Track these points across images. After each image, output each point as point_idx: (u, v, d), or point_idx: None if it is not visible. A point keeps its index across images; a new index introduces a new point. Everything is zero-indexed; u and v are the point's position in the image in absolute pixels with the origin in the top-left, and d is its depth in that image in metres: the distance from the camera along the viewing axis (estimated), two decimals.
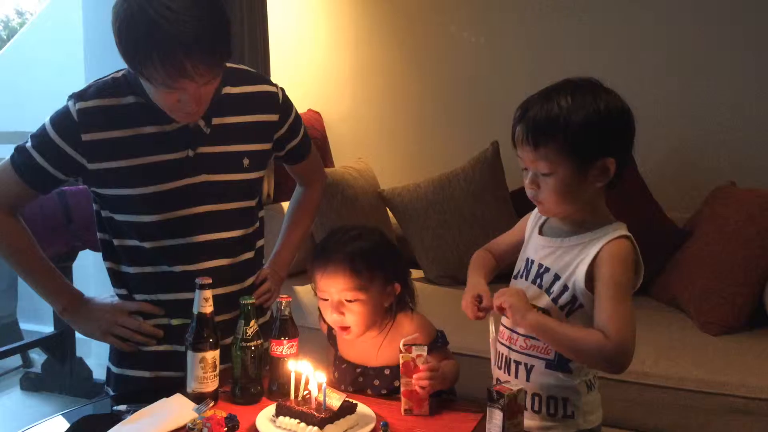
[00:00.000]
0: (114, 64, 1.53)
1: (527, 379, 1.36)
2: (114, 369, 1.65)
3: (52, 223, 2.30)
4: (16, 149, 1.54)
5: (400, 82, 3.31)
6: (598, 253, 1.29)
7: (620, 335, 1.23)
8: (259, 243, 1.73)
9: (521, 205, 2.75)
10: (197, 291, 1.40)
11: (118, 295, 1.63)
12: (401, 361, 1.39)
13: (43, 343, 2.73)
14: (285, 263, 1.80)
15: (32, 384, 2.92)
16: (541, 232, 1.41)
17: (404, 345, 1.40)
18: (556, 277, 1.33)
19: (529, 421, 1.33)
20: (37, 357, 3.15)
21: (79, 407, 1.61)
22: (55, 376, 2.78)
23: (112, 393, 1.65)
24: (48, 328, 2.92)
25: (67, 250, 2.53)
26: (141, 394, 1.44)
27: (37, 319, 3.17)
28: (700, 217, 2.54)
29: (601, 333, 1.24)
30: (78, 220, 2.40)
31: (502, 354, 1.41)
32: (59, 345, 2.71)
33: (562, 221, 1.37)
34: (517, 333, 1.37)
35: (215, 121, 1.56)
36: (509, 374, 1.38)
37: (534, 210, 1.45)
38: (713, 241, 2.36)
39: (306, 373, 1.32)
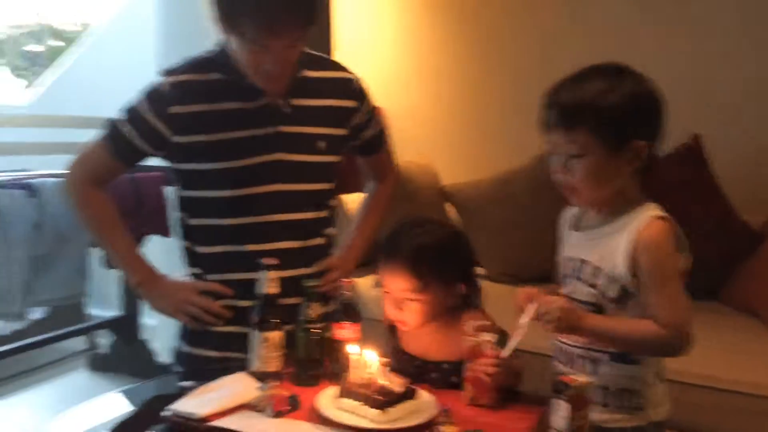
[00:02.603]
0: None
1: (593, 373, 1.32)
2: (183, 347, 1.70)
3: (123, 207, 2.37)
4: (106, 122, 1.63)
5: (463, 80, 3.29)
6: (635, 239, 1.26)
7: (673, 320, 1.22)
8: (330, 231, 1.75)
9: None
10: (262, 271, 1.42)
11: (192, 274, 1.69)
12: (468, 345, 1.36)
13: (111, 324, 2.83)
14: (354, 256, 1.82)
15: (100, 363, 3.03)
16: (577, 229, 1.39)
17: (473, 329, 1.37)
18: (598, 270, 1.31)
19: (598, 415, 1.30)
20: (102, 341, 3.27)
21: (137, 384, 1.67)
22: (122, 356, 2.87)
23: (179, 371, 1.69)
24: (111, 314, 3.02)
25: (137, 235, 2.61)
26: (207, 373, 1.47)
27: (103, 305, 3.27)
28: None
29: (654, 322, 1.23)
30: (148, 205, 2.47)
31: (564, 349, 1.38)
32: (126, 327, 2.80)
33: (595, 214, 1.35)
34: None
35: (294, 101, 1.61)
36: (573, 369, 1.35)
37: (564, 213, 1.45)
38: None
39: (369, 356, 1.33)
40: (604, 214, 1.34)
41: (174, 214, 1.73)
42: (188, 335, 1.69)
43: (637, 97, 1.29)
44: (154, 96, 1.59)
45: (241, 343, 1.59)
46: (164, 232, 2.52)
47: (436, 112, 3.36)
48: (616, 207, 1.33)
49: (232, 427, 1.23)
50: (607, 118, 1.26)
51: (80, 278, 2.35)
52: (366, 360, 1.35)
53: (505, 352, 1.29)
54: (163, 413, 1.28)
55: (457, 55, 3.30)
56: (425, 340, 1.50)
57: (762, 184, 2.65)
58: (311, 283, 1.45)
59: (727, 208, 2.52)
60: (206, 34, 2.64)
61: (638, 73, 1.32)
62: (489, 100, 3.23)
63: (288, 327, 1.45)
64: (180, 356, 1.71)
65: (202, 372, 1.51)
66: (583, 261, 1.34)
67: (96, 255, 2.52)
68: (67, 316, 3.08)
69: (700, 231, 2.51)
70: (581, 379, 1.20)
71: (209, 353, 1.65)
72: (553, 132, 1.30)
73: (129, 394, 1.48)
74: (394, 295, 1.45)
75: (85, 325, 3.02)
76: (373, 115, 1.76)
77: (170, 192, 2.60)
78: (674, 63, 2.82)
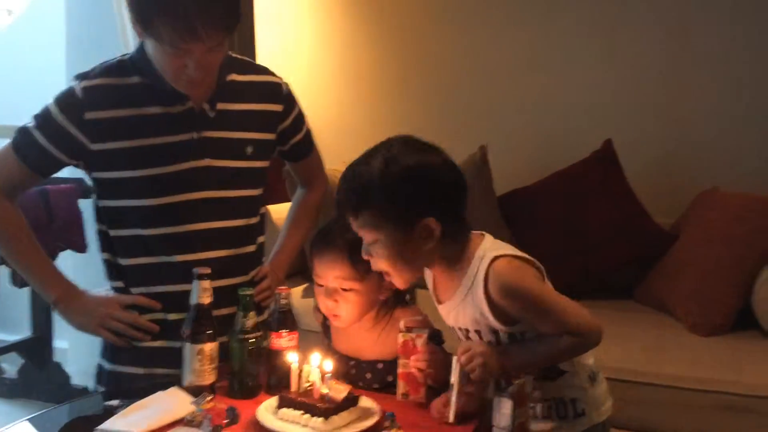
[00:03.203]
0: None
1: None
2: (106, 365, 1.61)
3: (34, 221, 2.23)
4: (18, 130, 1.52)
5: (385, 86, 3.31)
6: (487, 295, 1.26)
7: (576, 328, 1.25)
8: (260, 239, 1.71)
9: (509, 209, 2.81)
10: (195, 281, 1.37)
11: (113, 288, 1.61)
12: (400, 341, 1.36)
13: (20, 347, 2.64)
14: (284, 264, 1.78)
15: (7, 390, 2.82)
16: (440, 302, 1.39)
17: (405, 325, 1.37)
18: (479, 332, 1.32)
19: (542, 426, 1.31)
20: (7, 366, 3.05)
21: (48, 409, 1.54)
22: (33, 381, 2.69)
23: (101, 391, 1.60)
24: (16, 337, 2.81)
25: (49, 250, 2.46)
26: (134, 392, 1.39)
27: (9, 327, 3.06)
28: (685, 221, 2.57)
29: (566, 336, 1.25)
30: (60, 219, 2.34)
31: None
32: (37, 350, 2.62)
33: (442, 284, 1.36)
34: None
35: (220, 106, 1.56)
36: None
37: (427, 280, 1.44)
38: (700, 243, 2.39)
39: (312, 363, 1.30)
40: (448, 282, 1.33)
41: (93, 226, 1.64)
42: (111, 352, 1.60)
43: (414, 175, 1.25)
44: (68, 101, 1.50)
45: (169, 358, 1.53)
46: (79, 247, 2.39)
47: (357, 118, 3.36)
48: (451, 272, 1.32)
49: None
50: (385, 200, 1.25)
51: None
52: (306, 368, 1.32)
53: (450, 417, 1.27)
54: None
55: (378, 62, 3.31)
56: (358, 339, 1.49)
57: (672, 187, 2.79)
58: (246, 291, 1.41)
59: (639, 211, 2.64)
60: (119, 38, 2.57)
61: (428, 146, 1.30)
62: (412, 106, 3.25)
63: (221, 339, 1.41)
64: (102, 375, 1.62)
65: (127, 391, 1.43)
66: (461, 329, 1.35)
67: (1, 273, 2.36)
68: None
69: (615, 232, 2.64)
70: (520, 374, 1.22)
71: (135, 370, 1.57)
72: (347, 217, 1.30)
73: (38, 422, 1.36)
74: (329, 285, 1.43)
75: None
76: (300, 119, 1.74)
77: (84, 204, 2.51)
78: (586, 70, 2.95)
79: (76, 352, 2.88)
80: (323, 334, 1.56)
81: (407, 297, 1.52)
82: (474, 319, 1.30)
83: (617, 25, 2.91)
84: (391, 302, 1.48)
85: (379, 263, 1.30)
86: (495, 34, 3.09)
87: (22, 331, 2.73)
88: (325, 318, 1.50)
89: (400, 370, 1.36)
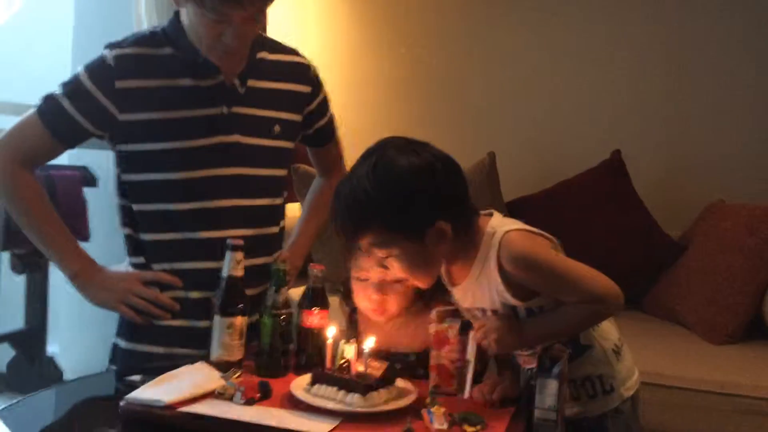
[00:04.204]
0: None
1: None
2: (123, 344, 1.55)
3: None
4: (44, 98, 1.48)
5: (391, 91, 3.30)
6: (501, 269, 1.22)
7: (594, 295, 1.20)
8: (282, 222, 1.68)
9: (518, 215, 2.79)
10: (228, 252, 1.33)
11: (133, 264, 1.56)
12: (432, 331, 1.32)
13: (11, 338, 2.54)
14: (302, 252, 1.74)
15: None
16: (453, 284, 1.34)
17: (437, 315, 1.33)
18: (496, 311, 1.27)
19: (570, 409, 1.28)
20: None
21: (55, 387, 1.47)
22: (22, 376, 2.58)
23: (115, 369, 1.54)
24: (12, 328, 2.69)
25: None
26: (153, 370, 1.31)
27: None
28: (695, 232, 2.57)
29: (586, 304, 1.21)
30: (65, 205, 2.27)
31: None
32: (29, 342, 2.53)
33: (452, 269, 1.32)
34: None
35: (250, 82, 1.55)
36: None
37: None
38: (711, 253, 2.39)
39: (347, 341, 1.26)
40: (461, 264, 1.28)
41: (114, 200, 1.59)
42: (129, 330, 1.54)
43: (410, 181, 1.20)
44: (100, 69, 1.47)
45: (189, 338, 1.49)
46: (82, 234, 2.32)
47: (362, 124, 3.33)
48: (466, 259, 1.26)
49: (205, 413, 1.12)
50: (388, 216, 1.19)
51: None
52: (341, 345, 1.28)
53: (466, 393, 1.25)
54: (121, 403, 1.15)
55: (384, 65, 3.30)
56: (389, 331, 1.44)
57: (681, 198, 2.81)
58: (280, 266, 1.37)
59: (648, 221, 2.64)
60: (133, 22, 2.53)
61: (414, 144, 1.25)
62: (418, 111, 3.24)
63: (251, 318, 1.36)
64: (117, 353, 1.56)
65: (146, 369, 1.37)
66: (478, 309, 1.31)
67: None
68: None
69: (623, 242, 2.63)
70: (562, 352, 1.19)
71: (154, 349, 1.51)
72: (352, 240, 1.25)
73: (39, 402, 1.28)
74: (376, 278, 1.37)
75: None
76: (325, 103, 1.72)
77: (88, 193, 2.45)
78: (596, 80, 2.98)
79: (73, 345, 2.78)
80: (349, 325, 1.51)
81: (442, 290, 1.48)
82: (490, 297, 1.25)
83: (628, 37, 2.94)
84: (429, 293, 1.44)
85: (397, 273, 1.27)
86: (504, 42, 3.11)
87: (15, 323, 2.64)
88: (352, 312, 1.46)
89: (432, 362, 1.32)
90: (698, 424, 1.88)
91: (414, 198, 1.20)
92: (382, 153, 1.23)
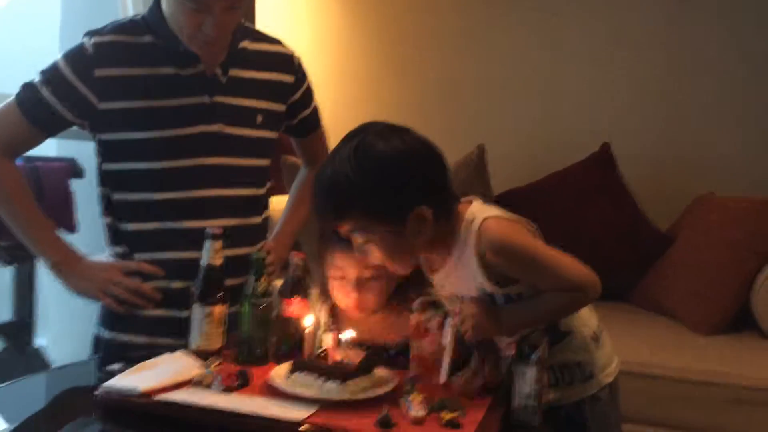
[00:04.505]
0: None
1: None
2: (105, 334, 1.54)
3: None
4: (23, 86, 1.47)
5: (381, 85, 3.29)
6: (479, 255, 1.21)
7: (572, 283, 1.20)
8: (266, 213, 1.67)
9: (507, 207, 2.78)
10: (207, 241, 1.33)
11: (115, 254, 1.55)
12: (412, 322, 1.31)
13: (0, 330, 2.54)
14: (287, 242, 1.73)
15: None
16: (432, 272, 1.34)
17: (418, 305, 1.32)
18: (473, 298, 1.26)
19: (550, 394, 1.27)
20: None
21: (40, 374, 1.47)
22: (10, 368, 2.58)
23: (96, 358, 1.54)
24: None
25: None
26: (135, 359, 1.31)
27: None
28: (682, 224, 2.58)
29: (564, 292, 1.21)
30: (50, 197, 2.25)
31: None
32: (17, 334, 2.52)
33: (431, 255, 1.30)
34: None
35: (232, 72, 1.54)
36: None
37: None
38: (699, 245, 2.40)
39: (328, 330, 1.25)
40: (442, 252, 1.27)
41: (96, 190, 1.58)
42: (110, 320, 1.53)
43: (392, 165, 1.18)
44: (78, 57, 1.46)
45: (172, 328, 1.48)
46: (69, 226, 2.31)
47: (353, 117, 3.31)
48: (445, 244, 1.25)
49: (181, 400, 1.11)
50: (369, 201, 1.17)
51: None
52: (320, 334, 1.27)
53: (442, 378, 1.24)
54: (96, 393, 1.14)
55: (374, 58, 3.29)
56: (369, 326, 1.43)
57: (668, 190, 2.80)
58: (260, 255, 1.36)
59: (636, 213, 2.64)
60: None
61: (394, 128, 1.23)
62: (407, 104, 3.22)
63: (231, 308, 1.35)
64: (100, 343, 1.55)
65: (127, 358, 1.36)
66: (456, 296, 1.30)
67: None
68: None
69: (611, 235, 2.63)
70: (541, 339, 1.19)
71: (136, 339, 1.51)
72: (332, 223, 1.24)
73: (24, 389, 1.28)
74: (353, 276, 1.36)
75: None
76: (309, 93, 1.71)
77: (75, 184, 2.44)
78: (585, 73, 2.97)
79: (61, 336, 2.77)
80: (330, 319, 1.50)
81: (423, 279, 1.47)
82: (468, 284, 1.25)
83: (617, 29, 2.93)
84: (406, 284, 1.43)
85: (375, 260, 1.25)
86: (494, 35, 3.10)
87: (4, 314, 2.63)
88: (332, 307, 1.43)
89: (412, 353, 1.31)
90: (683, 413, 1.88)
91: (395, 183, 1.19)
92: (363, 137, 1.22)
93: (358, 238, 1.23)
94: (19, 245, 2.13)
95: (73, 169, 2.44)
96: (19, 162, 1.52)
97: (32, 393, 1.34)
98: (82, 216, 2.36)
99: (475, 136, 2.85)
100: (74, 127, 1.53)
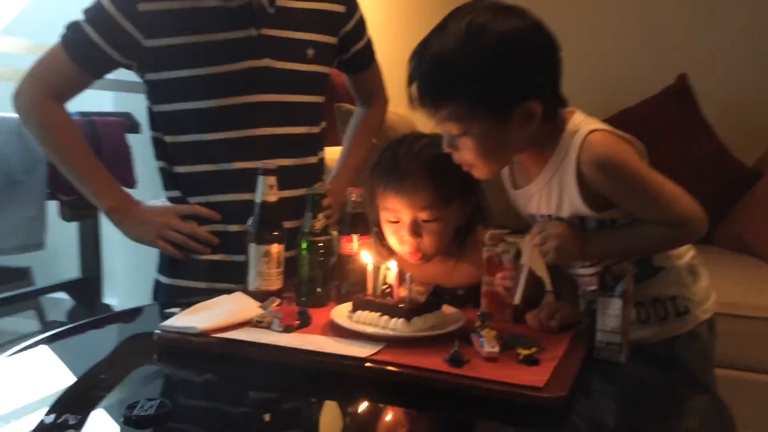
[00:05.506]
0: None
1: None
2: (163, 280, 1.51)
3: None
4: (68, 26, 1.43)
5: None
6: (579, 171, 1.07)
7: (677, 219, 1.07)
8: (321, 153, 1.60)
9: None
10: (260, 177, 1.26)
11: (169, 198, 1.52)
12: (484, 256, 1.21)
13: (68, 288, 2.58)
14: (344, 187, 1.64)
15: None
16: (516, 187, 1.20)
17: (490, 238, 1.21)
18: (562, 219, 1.13)
19: (641, 332, 1.17)
20: (56, 312, 2.95)
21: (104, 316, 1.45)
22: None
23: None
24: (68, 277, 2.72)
25: None
26: (195, 304, 1.26)
27: (56, 270, 2.96)
28: None
29: (667, 225, 1.08)
30: (108, 151, 2.25)
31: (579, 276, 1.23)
32: (86, 291, 2.56)
33: (520, 165, 1.17)
34: None
35: (279, 2, 1.46)
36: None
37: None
38: None
39: (391, 265, 1.17)
40: (533, 163, 1.15)
41: (149, 133, 1.54)
42: (169, 266, 1.51)
43: (508, 48, 1.03)
44: None
45: (230, 272, 1.44)
46: (128, 181, 2.30)
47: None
48: (540, 154, 1.13)
49: (240, 338, 1.06)
50: (477, 86, 1.03)
51: (35, 227, 2.11)
52: (384, 270, 1.19)
53: (516, 299, 1.13)
54: (156, 332, 1.10)
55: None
56: (436, 266, 1.34)
57: (754, 123, 2.59)
58: (317, 191, 1.29)
59: (719, 147, 2.45)
60: None
61: (512, 8, 1.07)
62: None
63: (287, 253, 1.28)
64: (159, 289, 1.53)
65: (187, 303, 1.32)
66: (542, 216, 1.17)
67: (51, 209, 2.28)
68: (12, 279, 2.80)
69: (693, 172, 2.45)
70: (628, 269, 1.07)
71: (194, 284, 1.47)
72: (423, 109, 1.09)
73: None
74: (410, 219, 1.25)
75: (40, 286, 2.74)
76: (362, 25, 1.62)
77: (132, 139, 2.43)
78: (660, 3, 2.75)
79: (129, 292, 2.81)
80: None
81: (485, 216, 1.36)
82: (559, 203, 1.12)
83: None
84: (468, 225, 1.33)
85: (464, 155, 1.11)
86: None
87: (72, 272, 2.67)
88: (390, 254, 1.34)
89: (483, 289, 1.21)
90: None
91: (510, 68, 1.04)
92: (476, 13, 1.05)
93: (453, 129, 1.09)
94: (80, 201, 2.15)
95: (130, 124, 2.43)
96: (75, 117, 1.49)
97: (92, 338, 1.32)
98: (140, 172, 2.35)
99: None
100: (129, 80, 1.47)
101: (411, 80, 1.09)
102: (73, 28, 1.41)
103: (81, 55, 1.41)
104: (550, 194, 1.13)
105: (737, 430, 0.91)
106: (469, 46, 1.04)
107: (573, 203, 1.10)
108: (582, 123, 1.10)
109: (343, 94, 2.11)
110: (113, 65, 1.44)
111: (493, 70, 1.03)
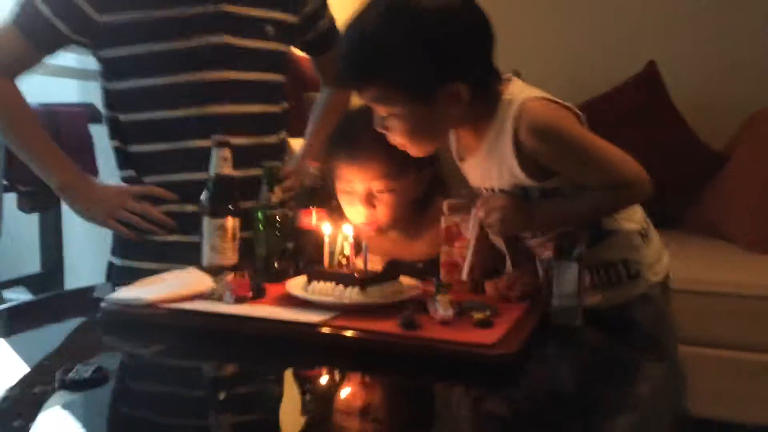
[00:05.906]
0: None
1: None
2: (116, 261, 1.47)
3: None
4: (18, 2, 1.39)
5: None
6: (515, 140, 1.05)
7: (625, 176, 1.06)
8: (283, 134, 1.56)
9: None
10: (214, 149, 1.23)
11: (123, 178, 1.48)
12: (443, 225, 1.19)
13: (27, 282, 2.51)
14: (309, 167, 1.62)
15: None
16: (462, 160, 1.19)
17: (448, 207, 1.19)
18: (504, 190, 1.12)
19: (594, 298, 1.15)
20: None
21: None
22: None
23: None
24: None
25: None
26: None
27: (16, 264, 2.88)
28: (738, 142, 2.39)
29: (609, 188, 1.06)
30: (67, 142, 2.19)
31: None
32: (46, 286, 2.50)
33: (462, 138, 1.15)
34: None
35: None
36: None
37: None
38: (756, 162, 2.22)
39: (346, 234, 1.15)
40: (472, 136, 1.13)
41: (103, 111, 1.50)
42: (122, 247, 1.47)
43: (431, 27, 1.00)
44: None
45: (186, 253, 1.38)
46: (90, 172, 2.25)
47: None
48: (477, 128, 1.11)
49: (189, 308, 1.03)
50: (399, 67, 1.01)
51: None
52: (341, 243, 1.17)
53: (464, 275, 1.12)
54: (102, 305, 1.06)
55: None
56: (394, 239, 1.33)
57: (721, 107, 2.60)
58: (272, 164, 1.26)
59: (687, 133, 2.46)
60: None
61: None
62: None
63: (243, 234, 1.25)
64: (112, 271, 1.49)
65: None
66: (486, 189, 1.15)
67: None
68: None
69: (662, 157, 2.45)
70: (583, 233, 1.06)
71: (148, 265, 1.42)
72: (352, 89, 1.08)
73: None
74: (364, 190, 1.25)
75: None
76: (324, 5, 1.59)
77: (94, 130, 2.38)
78: None
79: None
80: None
81: (444, 188, 1.35)
82: (500, 175, 1.10)
83: None
84: (426, 197, 1.32)
85: (396, 136, 1.10)
86: None
87: (32, 266, 2.61)
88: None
89: (442, 258, 1.19)
90: (744, 331, 1.74)
91: (432, 48, 1.01)
92: None
93: (380, 110, 1.08)
94: (39, 191, 2.10)
95: (92, 114, 2.38)
96: (36, 106, 1.44)
97: (40, 314, 1.28)
98: (102, 161, 2.30)
99: (508, 61, 2.68)
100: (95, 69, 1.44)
101: (339, 57, 1.08)
102: (25, 4, 1.37)
103: (33, 32, 1.37)
104: (490, 167, 1.12)
105: (686, 397, 0.90)
106: (389, 25, 1.02)
107: (513, 174, 1.08)
108: (518, 92, 1.08)
109: (312, 84, 2.09)
110: (65, 41, 1.40)
111: (412, 52, 1.01)
